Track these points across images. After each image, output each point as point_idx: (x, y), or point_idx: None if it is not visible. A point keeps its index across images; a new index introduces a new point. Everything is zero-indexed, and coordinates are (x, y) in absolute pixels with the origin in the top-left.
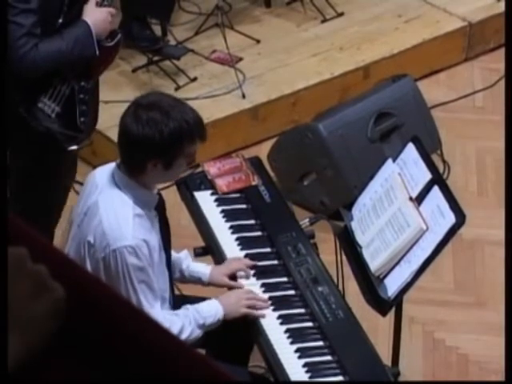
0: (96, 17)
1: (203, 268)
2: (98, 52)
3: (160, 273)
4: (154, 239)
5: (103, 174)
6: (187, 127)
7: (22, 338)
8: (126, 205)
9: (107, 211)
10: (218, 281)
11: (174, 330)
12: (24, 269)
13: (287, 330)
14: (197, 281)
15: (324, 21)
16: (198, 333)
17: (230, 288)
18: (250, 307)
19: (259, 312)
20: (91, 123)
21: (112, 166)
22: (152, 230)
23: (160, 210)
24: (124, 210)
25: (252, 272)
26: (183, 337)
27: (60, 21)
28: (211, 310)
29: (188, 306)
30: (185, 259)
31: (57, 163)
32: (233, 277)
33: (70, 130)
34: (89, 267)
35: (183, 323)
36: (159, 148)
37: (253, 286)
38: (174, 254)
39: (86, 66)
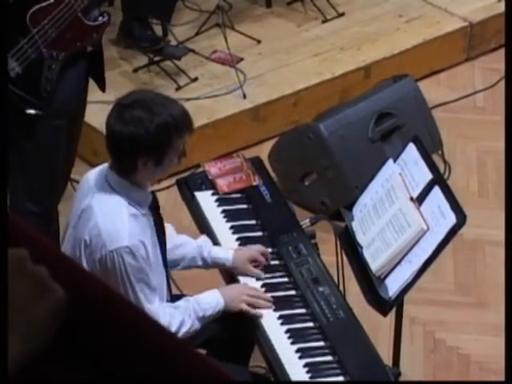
0: None
1: (225, 253)
2: None
3: (157, 272)
4: (150, 239)
5: (96, 176)
6: (173, 121)
7: (22, 339)
8: (121, 205)
9: (102, 213)
10: (241, 267)
11: (175, 324)
12: (24, 270)
13: (288, 330)
14: (220, 266)
15: (325, 21)
16: (197, 325)
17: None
18: (250, 305)
19: (257, 311)
20: (64, 98)
21: (104, 167)
22: (147, 230)
23: (154, 209)
24: (119, 211)
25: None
26: (183, 330)
27: None
28: (212, 302)
29: (189, 297)
30: (205, 246)
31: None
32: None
33: (28, 94)
34: (85, 267)
35: (183, 317)
36: (147, 145)
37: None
38: (192, 242)
39: (61, 36)
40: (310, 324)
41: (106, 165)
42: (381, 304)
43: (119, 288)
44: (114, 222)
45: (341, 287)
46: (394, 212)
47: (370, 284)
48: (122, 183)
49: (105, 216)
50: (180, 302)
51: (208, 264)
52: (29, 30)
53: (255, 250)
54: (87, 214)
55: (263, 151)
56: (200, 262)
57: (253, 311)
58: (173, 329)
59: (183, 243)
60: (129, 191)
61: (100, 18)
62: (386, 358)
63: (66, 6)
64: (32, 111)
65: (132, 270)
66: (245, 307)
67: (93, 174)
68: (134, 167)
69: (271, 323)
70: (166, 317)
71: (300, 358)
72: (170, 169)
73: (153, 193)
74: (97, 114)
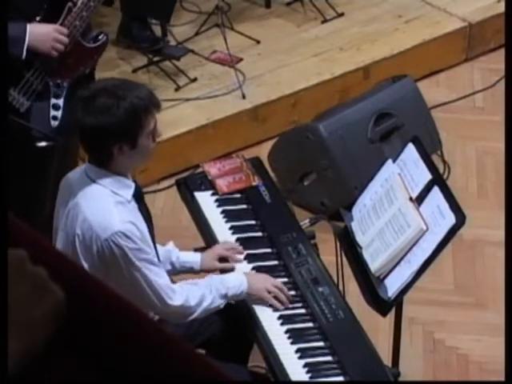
0: (39, 28)
1: (193, 257)
2: (23, 56)
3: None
4: (140, 222)
5: (75, 176)
6: (139, 102)
7: (21, 340)
8: (105, 195)
9: (89, 206)
10: (209, 266)
11: (193, 299)
12: (23, 271)
13: (288, 331)
14: (189, 270)
15: (324, 21)
16: (219, 302)
17: (222, 271)
18: (272, 294)
19: (276, 302)
20: (70, 122)
21: (82, 167)
22: (137, 215)
23: (138, 199)
24: (105, 201)
25: (242, 257)
26: (204, 305)
27: (38, 18)
28: (235, 281)
29: (213, 275)
30: (173, 251)
31: (38, 159)
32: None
33: (40, 126)
34: (83, 263)
35: (203, 292)
36: (118, 131)
37: None
38: (161, 247)
39: (64, 63)
40: (310, 324)
41: (84, 165)
42: (380, 304)
43: (124, 274)
44: (102, 211)
45: (340, 287)
46: (393, 212)
47: (370, 284)
48: (102, 174)
49: (92, 208)
50: (200, 280)
51: (176, 268)
52: (32, 62)
53: (219, 248)
54: (75, 211)
55: (263, 151)
56: (168, 267)
57: (273, 301)
58: (191, 303)
59: None
60: (111, 180)
61: (100, 37)
62: (386, 358)
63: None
64: (43, 144)
65: (131, 252)
66: (266, 295)
67: (71, 176)
68: (110, 155)
69: (271, 323)
70: (183, 292)
71: (300, 358)
72: (148, 152)
73: (135, 182)
74: None
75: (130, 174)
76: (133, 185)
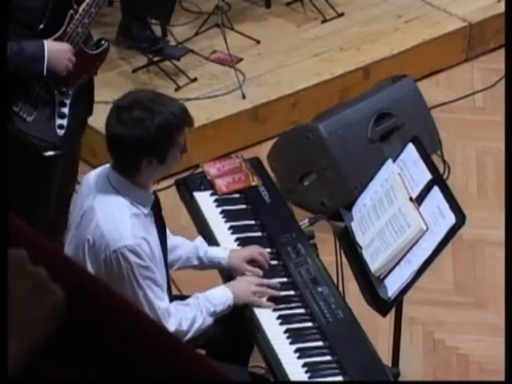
0: (55, 46)
1: (221, 252)
2: (45, 73)
3: (160, 272)
4: (153, 238)
5: (97, 176)
6: (173, 118)
7: (21, 340)
8: (123, 205)
9: (104, 214)
10: (237, 265)
11: (186, 321)
12: (24, 271)
13: (287, 331)
14: (216, 265)
15: (324, 21)
16: (209, 321)
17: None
18: (259, 294)
19: (268, 303)
20: (75, 129)
21: (105, 168)
22: (151, 229)
23: (156, 209)
24: (121, 211)
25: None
26: (196, 326)
27: (41, 26)
28: (221, 297)
29: (198, 294)
30: (201, 246)
31: (40, 171)
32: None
33: (46, 135)
34: (90, 268)
35: (195, 313)
36: (150, 145)
37: None
38: (188, 243)
39: (68, 72)
40: (309, 324)
41: (107, 165)
42: (380, 304)
43: (126, 287)
44: (116, 221)
45: (340, 287)
46: (393, 212)
47: (370, 284)
48: (124, 183)
49: (107, 216)
50: (189, 300)
51: (204, 263)
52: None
53: (253, 250)
54: (89, 215)
55: (262, 151)
56: (196, 262)
57: (264, 303)
58: (184, 326)
59: (179, 244)
60: (131, 192)
61: (102, 43)
62: (386, 358)
63: (68, 41)
64: (51, 153)
65: (138, 268)
66: (256, 299)
67: (93, 175)
68: (137, 168)
69: (270, 323)
70: (178, 313)
71: (299, 357)
72: (174, 166)
73: (155, 193)
74: (96, 115)
75: (151, 184)
76: (152, 197)
